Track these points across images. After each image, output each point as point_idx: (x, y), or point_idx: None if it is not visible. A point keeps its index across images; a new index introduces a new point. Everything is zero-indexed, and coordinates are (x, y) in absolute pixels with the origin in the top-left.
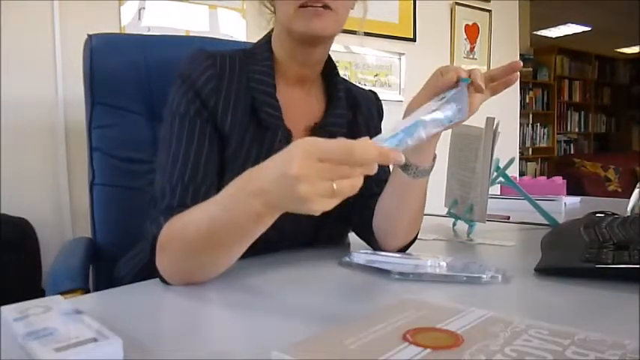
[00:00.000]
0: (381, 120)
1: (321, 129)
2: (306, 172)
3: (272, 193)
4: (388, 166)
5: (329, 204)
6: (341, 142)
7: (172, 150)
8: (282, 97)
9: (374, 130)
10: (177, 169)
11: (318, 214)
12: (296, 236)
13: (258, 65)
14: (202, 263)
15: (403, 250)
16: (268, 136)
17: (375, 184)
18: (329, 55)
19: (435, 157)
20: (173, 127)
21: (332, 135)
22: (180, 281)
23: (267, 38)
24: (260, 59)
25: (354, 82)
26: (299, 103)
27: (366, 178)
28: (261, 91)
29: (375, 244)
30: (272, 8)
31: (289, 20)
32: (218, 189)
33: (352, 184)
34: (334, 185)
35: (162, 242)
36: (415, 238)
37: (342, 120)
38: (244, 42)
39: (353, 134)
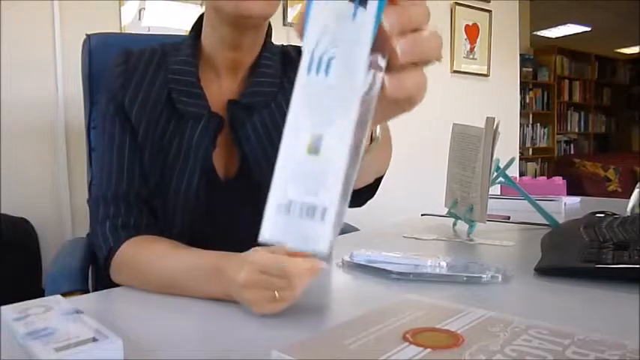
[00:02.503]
0: None
1: (235, 104)
2: (250, 282)
3: (229, 291)
4: None
5: (275, 308)
6: (277, 259)
7: (100, 153)
8: (212, 86)
9: None
10: (106, 173)
11: (271, 314)
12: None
13: (179, 57)
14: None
15: (373, 188)
16: (190, 125)
17: None
18: (269, 42)
19: (375, 138)
20: (98, 129)
21: (250, 107)
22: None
23: (194, 28)
24: (182, 50)
25: None
26: (231, 91)
27: None
28: (179, 82)
29: None
30: None
31: (220, 1)
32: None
33: (293, 293)
34: (276, 294)
35: (118, 268)
36: (382, 176)
37: (264, 88)
38: None
39: (285, 93)
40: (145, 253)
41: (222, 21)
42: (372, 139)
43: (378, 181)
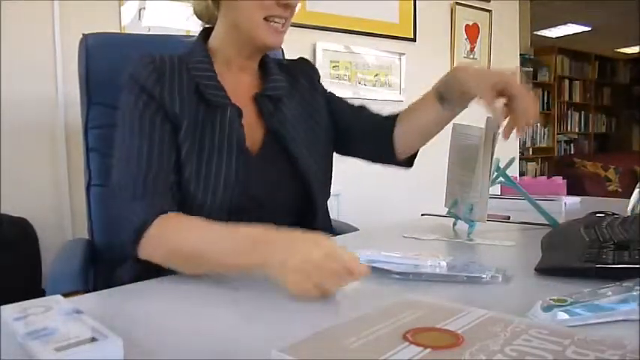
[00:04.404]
0: (319, 78)
1: (262, 96)
2: (315, 261)
3: (269, 260)
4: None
5: (311, 291)
6: (341, 249)
7: (127, 143)
8: (227, 81)
9: (321, 90)
10: (135, 159)
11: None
12: (287, 205)
13: (195, 57)
14: (179, 270)
15: (413, 157)
16: (219, 113)
17: (384, 118)
18: None
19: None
20: (125, 123)
21: (273, 99)
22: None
23: (202, 35)
24: (196, 52)
25: (352, 82)
26: (243, 85)
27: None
28: (203, 77)
29: (389, 155)
30: (215, 6)
31: (252, 28)
32: (178, 169)
33: (337, 285)
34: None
35: (149, 242)
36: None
37: (280, 84)
38: None
39: (294, 98)
40: (178, 226)
41: (246, 43)
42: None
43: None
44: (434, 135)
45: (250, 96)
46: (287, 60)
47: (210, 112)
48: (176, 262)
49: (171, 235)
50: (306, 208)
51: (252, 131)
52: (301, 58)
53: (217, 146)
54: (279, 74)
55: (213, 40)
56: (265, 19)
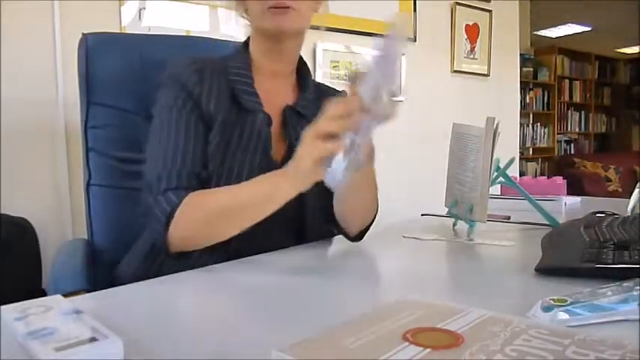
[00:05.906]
0: None
1: (291, 109)
2: (307, 143)
3: (290, 170)
4: None
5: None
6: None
7: (164, 138)
8: (260, 88)
9: None
10: (170, 154)
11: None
12: (285, 225)
13: (235, 62)
14: (214, 232)
15: (363, 232)
16: (250, 118)
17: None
18: (303, 60)
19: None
20: (163, 118)
21: (301, 115)
22: (184, 246)
23: (245, 41)
24: (237, 58)
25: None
26: (275, 94)
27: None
28: (239, 82)
29: (337, 229)
30: (245, 14)
31: (259, 19)
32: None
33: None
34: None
35: (182, 211)
36: (373, 221)
37: (311, 104)
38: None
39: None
40: (208, 193)
41: (265, 36)
42: None
43: (370, 224)
44: (358, 211)
45: (281, 106)
46: (325, 85)
47: (242, 115)
48: (215, 221)
49: (205, 199)
50: (300, 225)
51: (277, 140)
52: (339, 91)
53: (243, 148)
54: (313, 94)
55: (251, 48)
56: (270, 8)
